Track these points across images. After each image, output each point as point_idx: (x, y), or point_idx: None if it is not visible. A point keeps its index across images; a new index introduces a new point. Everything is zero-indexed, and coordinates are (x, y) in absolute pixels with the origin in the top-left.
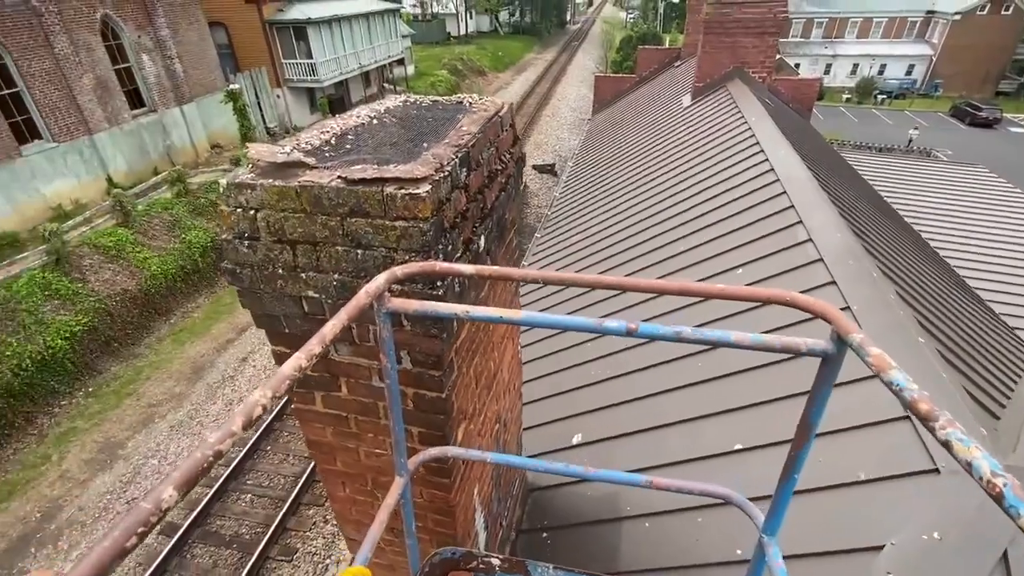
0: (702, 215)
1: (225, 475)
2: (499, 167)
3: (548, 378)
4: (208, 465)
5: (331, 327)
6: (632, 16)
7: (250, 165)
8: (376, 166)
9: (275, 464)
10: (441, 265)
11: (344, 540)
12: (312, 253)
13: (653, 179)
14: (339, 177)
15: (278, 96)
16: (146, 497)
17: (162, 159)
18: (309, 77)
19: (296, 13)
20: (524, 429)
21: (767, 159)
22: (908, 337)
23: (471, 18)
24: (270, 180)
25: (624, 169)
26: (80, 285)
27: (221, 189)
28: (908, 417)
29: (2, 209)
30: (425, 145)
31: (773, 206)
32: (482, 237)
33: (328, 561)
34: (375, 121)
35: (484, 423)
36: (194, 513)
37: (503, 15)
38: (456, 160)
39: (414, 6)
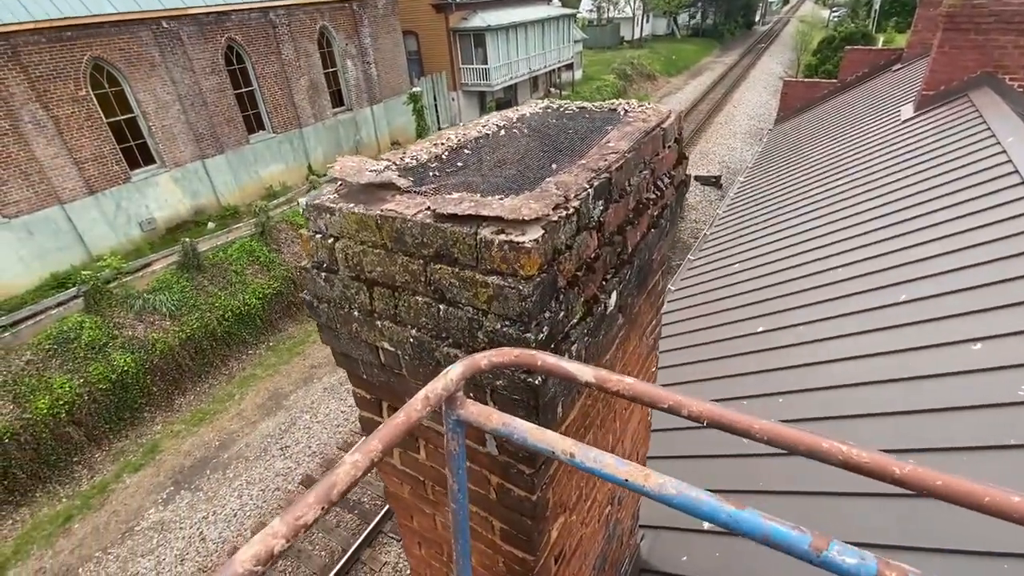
0: (918, 261)
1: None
2: (653, 196)
3: (680, 433)
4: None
5: (346, 473)
6: (837, 14)
7: (339, 183)
8: (478, 196)
9: None
10: (545, 359)
11: None
12: (390, 299)
13: (850, 207)
14: (428, 208)
15: (453, 99)
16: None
17: (351, 151)
18: (482, 81)
19: (478, 21)
20: None
21: None
22: None
23: (647, 21)
24: (351, 205)
25: (811, 192)
26: (276, 255)
27: (301, 209)
28: None
29: (230, 187)
30: (554, 166)
31: None
32: (613, 293)
33: None
34: (503, 132)
35: (592, 508)
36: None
37: (682, 17)
38: (590, 191)
39: (590, 11)
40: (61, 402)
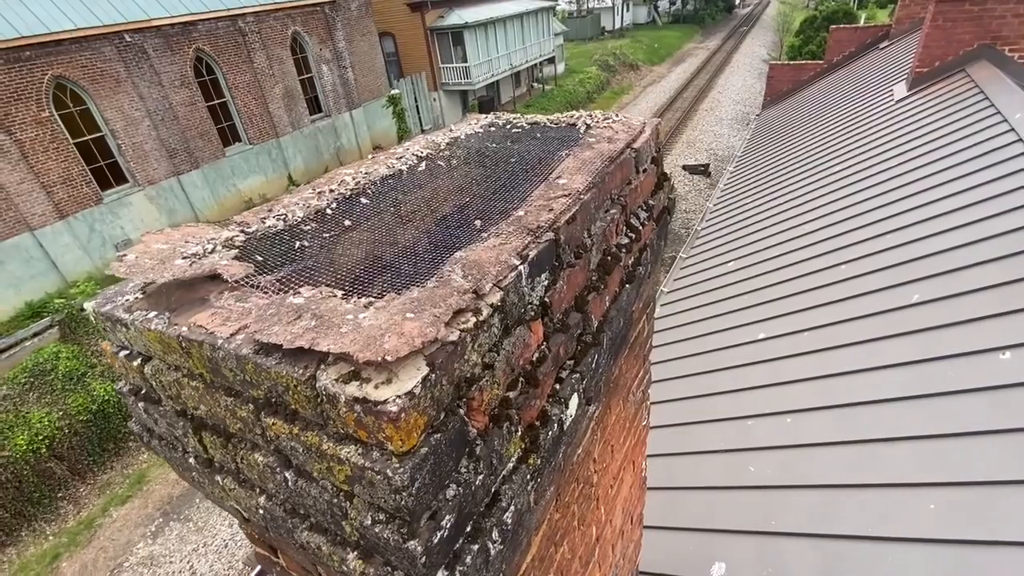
0: (929, 256)
1: None
2: (626, 240)
3: (679, 459)
4: None
5: None
6: None
7: (148, 273)
8: (337, 297)
9: None
10: None
11: None
12: (225, 449)
13: (849, 196)
14: (244, 327)
15: (434, 99)
16: None
17: (332, 158)
18: (463, 80)
19: (455, 19)
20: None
21: None
22: None
23: (627, 11)
24: (151, 314)
25: (806, 181)
26: None
27: (92, 316)
28: None
29: (208, 202)
30: (478, 223)
31: None
32: (574, 396)
33: None
34: (423, 166)
35: None
36: None
37: (663, 4)
38: (521, 268)
39: (570, 3)
40: (40, 437)
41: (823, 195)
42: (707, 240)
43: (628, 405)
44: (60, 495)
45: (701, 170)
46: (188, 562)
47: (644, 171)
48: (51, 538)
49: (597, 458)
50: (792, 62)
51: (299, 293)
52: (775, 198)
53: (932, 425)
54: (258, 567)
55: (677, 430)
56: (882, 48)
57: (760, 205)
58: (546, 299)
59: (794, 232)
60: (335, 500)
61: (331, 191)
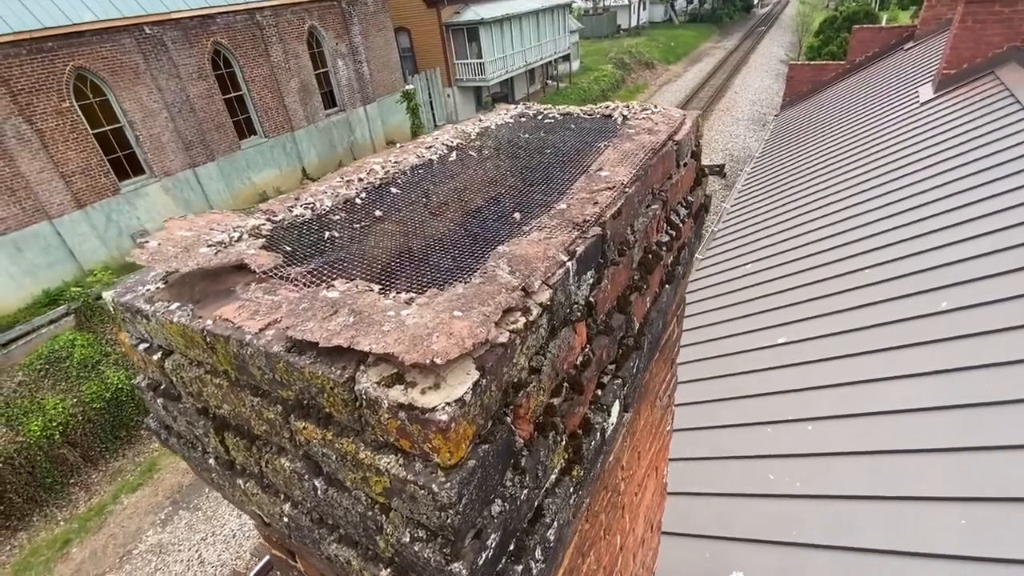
0: (957, 262)
1: None
2: (667, 237)
3: (695, 465)
4: None
5: None
6: None
7: (171, 262)
8: (374, 292)
9: None
10: None
11: None
12: (248, 452)
13: (874, 200)
14: (278, 323)
15: (448, 95)
16: None
17: (346, 153)
18: (477, 76)
19: (470, 15)
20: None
21: None
22: None
23: (644, 9)
24: (174, 305)
25: (828, 183)
26: None
27: (111, 307)
28: None
29: (223, 194)
30: (517, 216)
31: None
32: (615, 403)
33: None
34: (454, 156)
35: None
36: None
37: (680, 3)
38: (570, 264)
39: (585, 0)
40: (54, 423)
41: (845, 198)
42: (724, 242)
43: (655, 410)
44: (72, 481)
45: (717, 171)
46: (196, 551)
47: (684, 165)
48: (62, 523)
49: (625, 465)
50: (812, 62)
51: (333, 286)
52: (795, 200)
53: (964, 437)
54: (265, 558)
55: (692, 435)
56: (907, 49)
57: (780, 207)
58: (591, 299)
59: (816, 235)
60: (370, 513)
61: (360, 180)
